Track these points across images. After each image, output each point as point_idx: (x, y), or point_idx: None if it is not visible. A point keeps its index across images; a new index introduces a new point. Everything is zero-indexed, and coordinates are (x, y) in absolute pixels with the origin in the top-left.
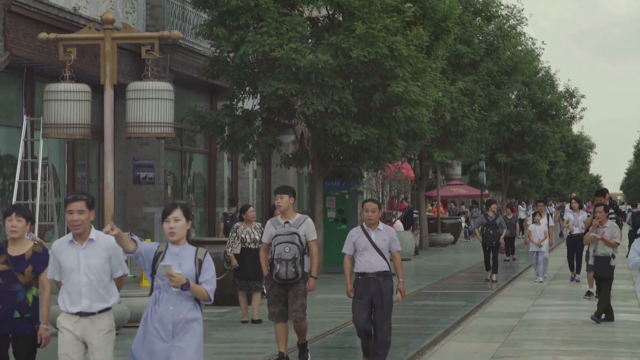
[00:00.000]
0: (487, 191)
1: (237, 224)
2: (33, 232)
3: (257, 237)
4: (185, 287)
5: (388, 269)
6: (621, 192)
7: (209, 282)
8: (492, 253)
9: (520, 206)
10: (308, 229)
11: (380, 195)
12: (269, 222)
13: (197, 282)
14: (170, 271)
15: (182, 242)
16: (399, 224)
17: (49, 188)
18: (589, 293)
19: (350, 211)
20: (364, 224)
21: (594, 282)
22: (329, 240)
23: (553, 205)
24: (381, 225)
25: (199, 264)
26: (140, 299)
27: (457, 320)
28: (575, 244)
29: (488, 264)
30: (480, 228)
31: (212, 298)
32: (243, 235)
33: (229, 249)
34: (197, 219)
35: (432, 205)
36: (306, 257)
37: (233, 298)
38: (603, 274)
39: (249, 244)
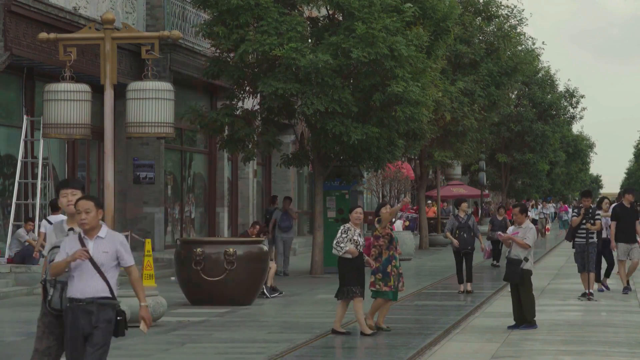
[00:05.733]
0: (487, 191)
1: (347, 225)
2: (33, 231)
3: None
4: None
5: (109, 294)
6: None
7: None
8: (466, 259)
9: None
10: None
11: (381, 196)
12: (50, 228)
13: None
14: None
15: None
16: (398, 224)
17: (49, 188)
18: (584, 294)
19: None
20: (81, 232)
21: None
22: (329, 241)
23: (553, 205)
24: (103, 231)
25: None
26: None
27: (457, 320)
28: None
29: (461, 274)
30: (452, 231)
31: None
32: (356, 238)
33: (339, 248)
34: (197, 218)
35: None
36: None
37: (232, 298)
38: (511, 278)
39: (360, 246)
